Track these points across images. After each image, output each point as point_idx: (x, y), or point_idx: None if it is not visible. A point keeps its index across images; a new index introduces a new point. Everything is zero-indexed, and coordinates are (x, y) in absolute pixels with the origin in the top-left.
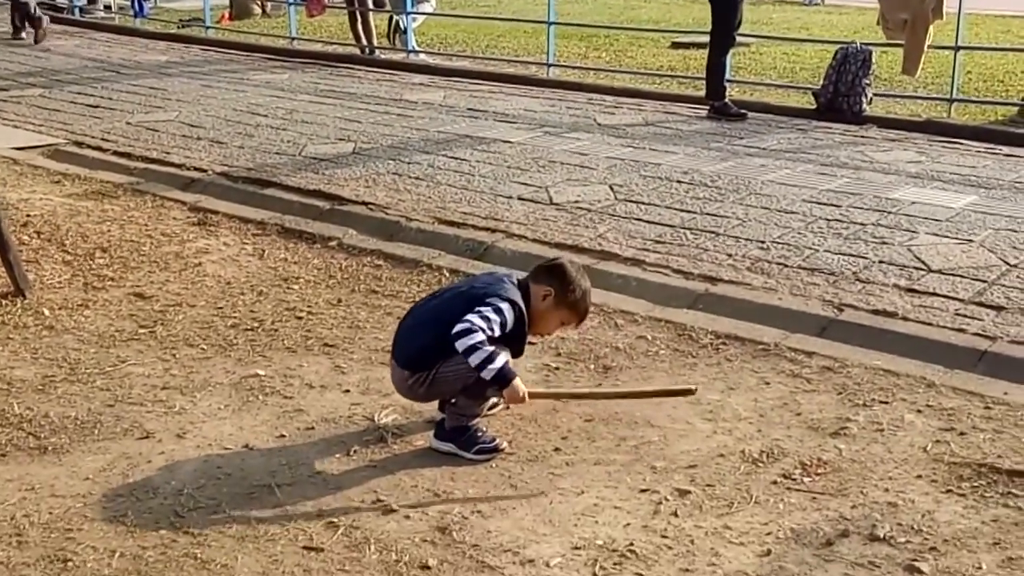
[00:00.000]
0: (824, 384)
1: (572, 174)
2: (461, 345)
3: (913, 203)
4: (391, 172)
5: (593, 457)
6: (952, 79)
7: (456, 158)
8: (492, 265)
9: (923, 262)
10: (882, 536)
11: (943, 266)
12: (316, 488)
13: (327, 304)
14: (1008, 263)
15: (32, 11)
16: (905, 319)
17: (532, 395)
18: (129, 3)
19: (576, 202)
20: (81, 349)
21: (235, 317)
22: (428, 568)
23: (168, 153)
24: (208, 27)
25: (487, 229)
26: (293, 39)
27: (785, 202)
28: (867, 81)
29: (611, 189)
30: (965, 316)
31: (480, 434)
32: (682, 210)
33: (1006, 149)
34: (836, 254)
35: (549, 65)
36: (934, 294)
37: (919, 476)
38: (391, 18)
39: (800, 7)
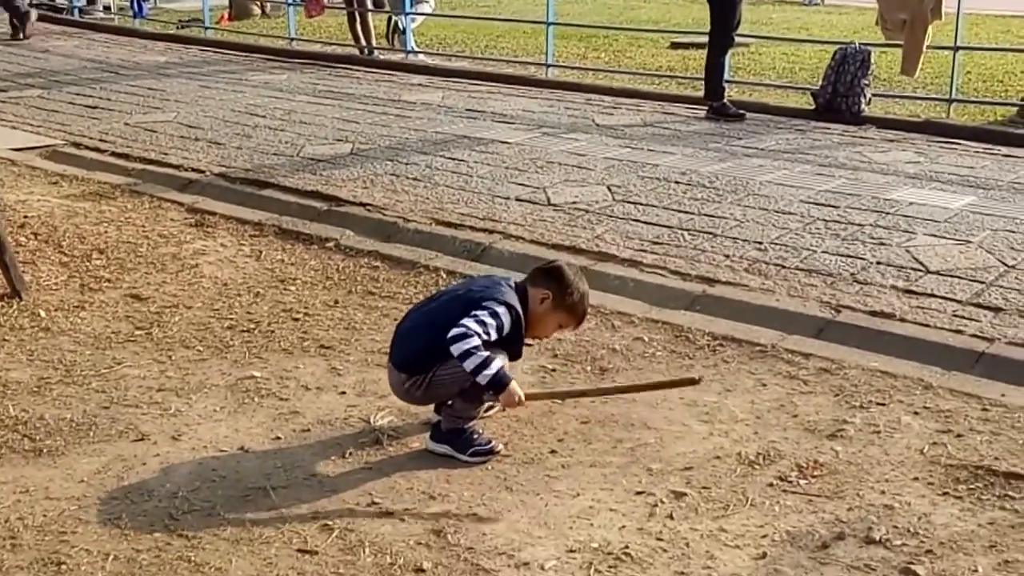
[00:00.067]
0: (821, 386)
1: (570, 175)
2: (456, 350)
3: (911, 204)
4: (389, 173)
5: (589, 459)
6: (951, 79)
7: (454, 159)
8: (489, 266)
9: (921, 263)
10: (878, 539)
11: (941, 267)
12: (311, 490)
13: (324, 305)
14: (1006, 264)
15: (19, 7)
16: (903, 320)
17: (530, 397)
18: (128, 4)
19: (574, 203)
20: (77, 351)
21: (231, 319)
22: (423, 571)
23: (166, 154)
24: (207, 28)
25: (485, 230)
26: (292, 40)
27: (783, 203)
28: (866, 81)
29: (609, 190)
30: (963, 317)
31: (476, 436)
32: (680, 211)
33: (1005, 149)
34: (834, 255)
35: (548, 65)
36: (932, 295)
37: (915, 478)
38: (390, 19)
39: (800, 7)
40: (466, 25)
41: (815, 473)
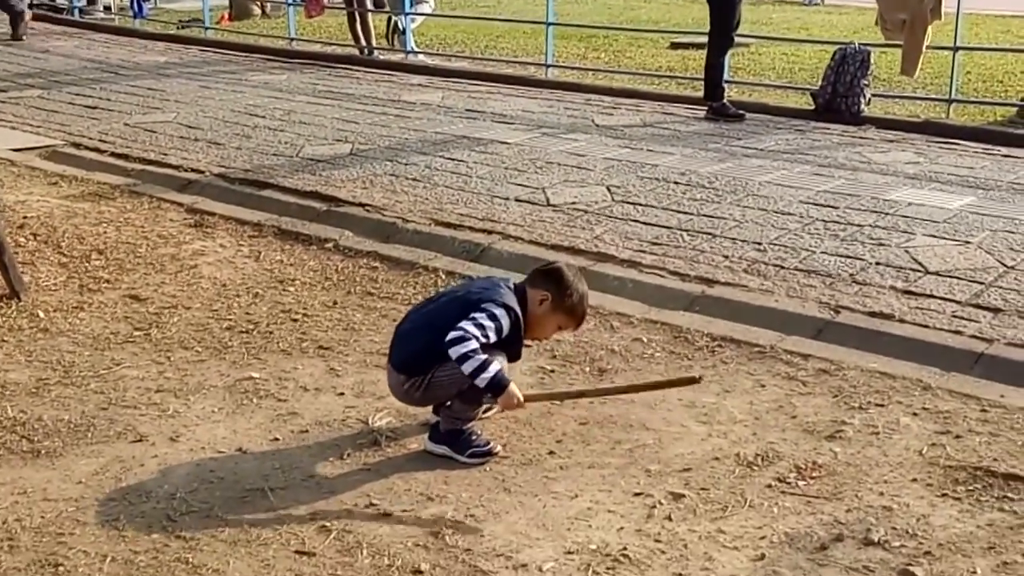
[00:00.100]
0: (820, 387)
1: (569, 175)
2: (454, 353)
3: (910, 204)
4: (388, 173)
5: (587, 460)
6: (951, 80)
7: (453, 159)
8: (489, 267)
9: (920, 264)
10: (877, 540)
11: (940, 268)
12: (309, 492)
13: (323, 306)
14: (1005, 265)
15: (15, 5)
16: (902, 321)
17: (529, 398)
18: (128, 4)
19: (573, 203)
20: (75, 352)
21: (230, 319)
22: (420, 572)
23: (165, 154)
24: (207, 28)
25: (484, 231)
26: (292, 40)
27: (782, 203)
28: (865, 82)
29: (608, 190)
30: (962, 318)
31: (474, 437)
32: (679, 211)
33: (1004, 150)
34: (833, 256)
35: (548, 66)
36: (931, 296)
37: (914, 480)
38: (390, 19)
39: (800, 7)
40: (466, 25)
41: (814, 474)
